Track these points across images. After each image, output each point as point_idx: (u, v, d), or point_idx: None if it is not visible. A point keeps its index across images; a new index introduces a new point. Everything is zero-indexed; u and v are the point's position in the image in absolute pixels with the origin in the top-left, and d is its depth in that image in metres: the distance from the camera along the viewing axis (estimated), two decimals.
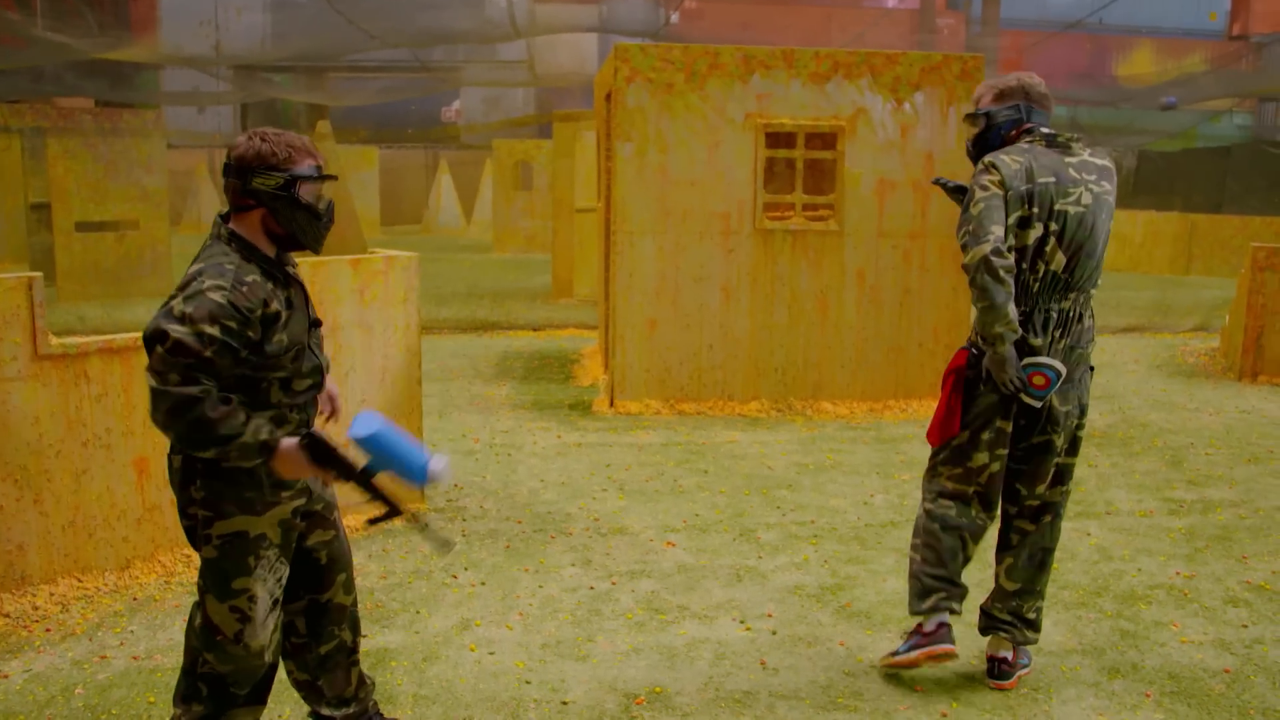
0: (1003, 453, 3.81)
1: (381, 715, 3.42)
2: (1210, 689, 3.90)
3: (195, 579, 4.63)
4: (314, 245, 2.96)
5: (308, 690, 3.26)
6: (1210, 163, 23.37)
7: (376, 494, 2.89)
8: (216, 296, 2.70)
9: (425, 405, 7.78)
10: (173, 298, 2.74)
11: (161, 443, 4.72)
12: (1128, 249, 20.47)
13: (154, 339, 2.67)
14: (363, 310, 5.37)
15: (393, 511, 2.92)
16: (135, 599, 4.46)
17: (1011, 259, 3.58)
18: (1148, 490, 6.34)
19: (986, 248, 3.55)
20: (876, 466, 6.73)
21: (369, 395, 5.42)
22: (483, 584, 4.74)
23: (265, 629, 2.96)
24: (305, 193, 2.88)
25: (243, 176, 2.86)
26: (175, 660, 3.93)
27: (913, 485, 6.34)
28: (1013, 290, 3.58)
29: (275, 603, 2.99)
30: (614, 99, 7.96)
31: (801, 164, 8.07)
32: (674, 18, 24.77)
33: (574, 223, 14.00)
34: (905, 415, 8.07)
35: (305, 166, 2.88)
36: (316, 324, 3.05)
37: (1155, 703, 3.79)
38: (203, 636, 2.96)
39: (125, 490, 4.62)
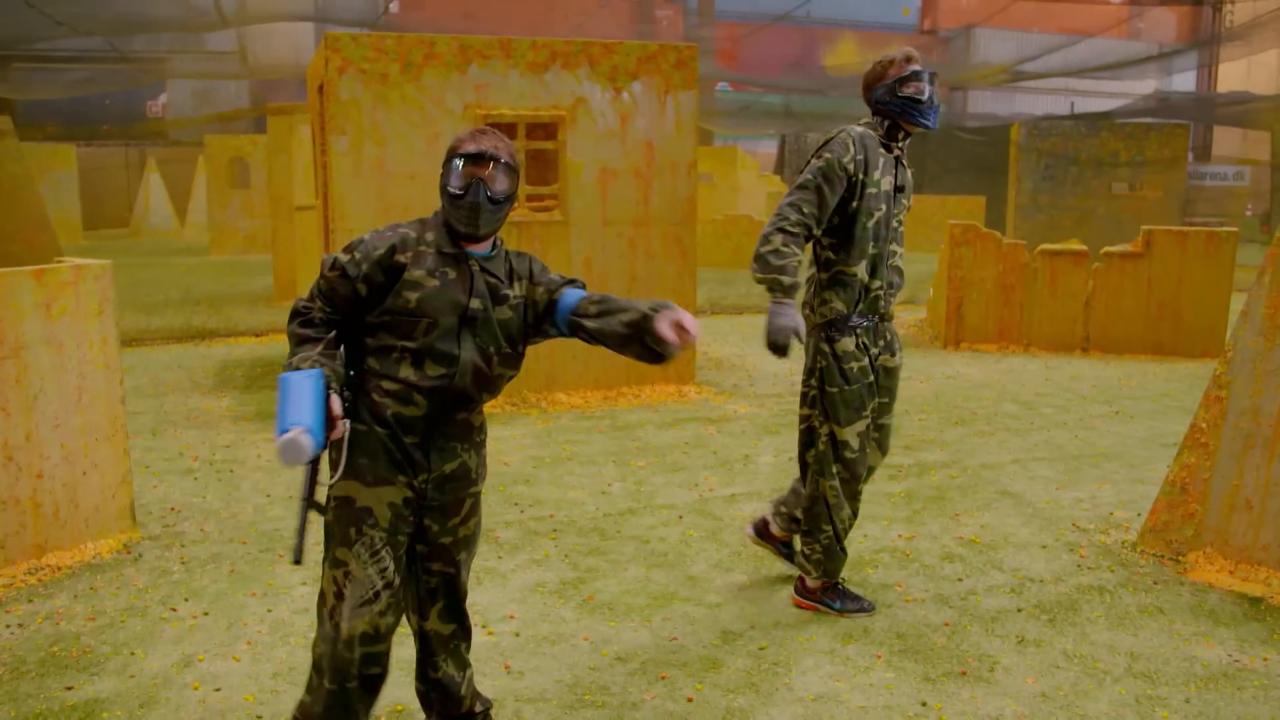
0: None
1: None
2: (933, 643, 4.12)
3: None
4: (462, 226, 2.95)
5: (423, 700, 3.33)
6: (910, 146, 25.07)
7: (310, 471, 2.83)
8: (364, 235, 2.97)
9: (136, 423, 7.23)
10: None
11: None
12: None
13: None
14: (50, 326, 4.87)
15: (306, 498, 2.84)
16: None
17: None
18: None
19: None
20: (613, 455, 6.76)
21: (64, 418, 4.93)
22: (205, 614, 4.40)
23: (356, 616, 2.90)
24: (452, 177, 2.93)
25: None
26: None
27: (649, 471, 6.41)
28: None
29: (373, 595, 2.91)
30: (326, 91, 7.62)
31: (524, 155, 8.00)
32: (393, 7, 24.18)
33: (294, 221, 13.36)
34: (638, 401, 8.17)
35: (455, 155, 2.95)
36: (472, 317, 2.96)
37: (886, 662, 3.96)
38: (317, 607, 3.00)
39: None
